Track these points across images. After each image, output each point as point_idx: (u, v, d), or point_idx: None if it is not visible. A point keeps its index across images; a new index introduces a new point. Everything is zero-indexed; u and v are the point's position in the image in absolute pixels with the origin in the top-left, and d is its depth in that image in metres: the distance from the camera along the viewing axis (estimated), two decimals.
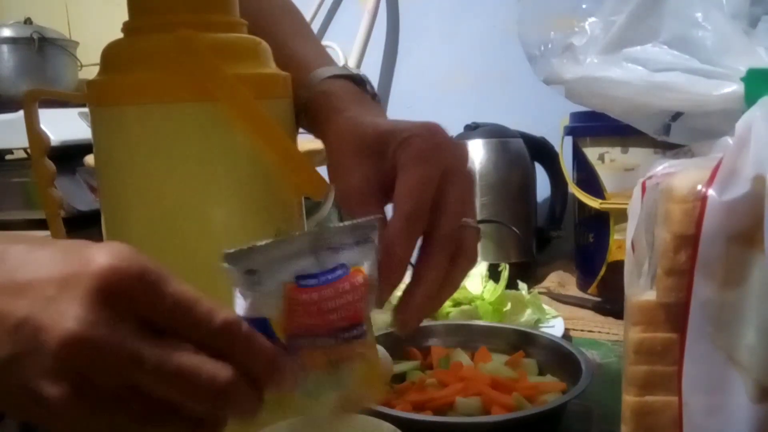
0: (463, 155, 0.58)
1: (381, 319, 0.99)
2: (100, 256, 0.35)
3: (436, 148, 0.55)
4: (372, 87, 0.68)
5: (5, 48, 1.58)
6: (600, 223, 1.20)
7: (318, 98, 0.65)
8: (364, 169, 0.58)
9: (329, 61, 0.71)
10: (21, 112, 0.64)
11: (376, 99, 0.68)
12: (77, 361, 0.34)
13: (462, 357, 0.84)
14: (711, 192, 0.50)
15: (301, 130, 0.70)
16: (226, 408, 0.38)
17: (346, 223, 0.46)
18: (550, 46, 0.68)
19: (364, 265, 0.47)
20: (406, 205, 0.54)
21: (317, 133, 0.66)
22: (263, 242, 0.41)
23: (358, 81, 0.67)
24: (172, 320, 0.37)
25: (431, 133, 0.57)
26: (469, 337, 0.89)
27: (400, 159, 0.56)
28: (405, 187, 0.54)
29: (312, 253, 0.43)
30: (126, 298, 0.35)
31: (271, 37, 0.65)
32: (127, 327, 0.35)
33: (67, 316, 0.34)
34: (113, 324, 0.35)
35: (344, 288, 0.45)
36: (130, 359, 0.35)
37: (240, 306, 0.41)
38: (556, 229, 1.47)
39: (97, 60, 0.61)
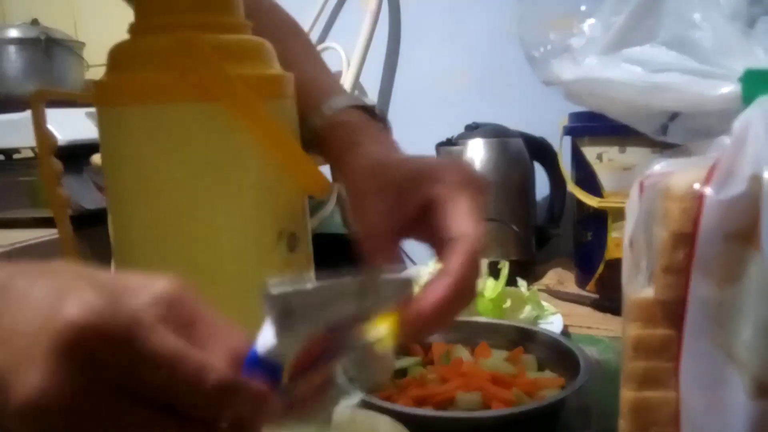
0: (487, 188, 0.59)
1: None
2: (70, 308, 0.32)
3: (470, 179, 0.57)
4: (383, 114, 0.68)
5: (12, 49, 1.57)
6: (598, 222, 1.20)
7: (333, 129, 0.65)
8: (381, 208, 0.58)
9: (338, 86, 0.72)
10: (28, 112, 0.64)
11: (387, 126, 0.68)
12: (37, 423, 0.32)
13: (462, 353, 0.85)
14: (708, 191, 0.50)
15: None
16: None
17: (402, 276, 0.45)
18: (549, 47, 0.68)
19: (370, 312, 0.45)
20: (477, 230, 0.54)
21: (333, 164, 0.66)
22: (312, 285, 0.38)
23: (369, 111, 0.67)
24: (154, 382, 0.34)
25: (460, 165, 0.58)
26: (470, 333, 0.90)
27: (439, 193, 0.56)
28: (464, 215, 0.54)
29: (356, 299, 0.41)
30: (94, 358, 0.32)
31: (280, 59, 0.65)
32: (95, 391, 0.33)
33: (28, 378, 0.32)
34: (76, 389, 0.32)
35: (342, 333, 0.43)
36: (91, 422, 0.33)
37: (262, 344, 0.38)
38: (555, 228, 1.47)
39: (104, 60, 0.61)
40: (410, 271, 0.46)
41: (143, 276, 0.37)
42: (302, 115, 0.66)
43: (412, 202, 0.57)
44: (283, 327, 0.37)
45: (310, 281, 0.38)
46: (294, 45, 0.76)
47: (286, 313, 0.37)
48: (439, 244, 0.56)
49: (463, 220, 0.54)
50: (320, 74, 0.73)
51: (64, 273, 0.36)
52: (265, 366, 0.38)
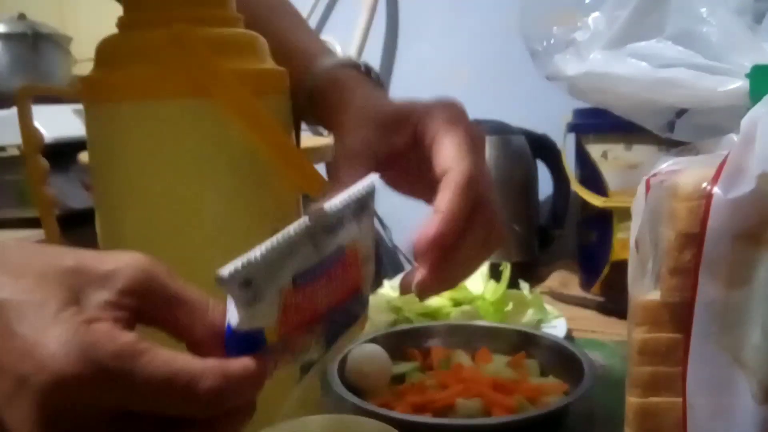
0: (482, 132, 0.59)
1: (380, 319, 0.99)
2: (53, 359, 0.32)
3: (462, 116, 0.57)
4: (377, 76, 0.68)
5: None
6: (603, 222, 1.19)
7: (327, 85, 0.65)
8: (364, 134, 0.58)
9: (330, 52, 0.71)
10: (14, 109, 0.64)
11: (381, 83, 0.68)
12: None
13: (463, 358, 0.84)
14: (716, 190, 0.50)
15: (303, 127, 0.70)
16: None
17: (346, 198, 0.44)
18: (552, 41, 0.68)
19: (359, 238, 0.45)
20: (462, 163, 0.53)
21: (328, 119, 0.65)
22: (259, 252, 0.37)
23: (365, 71, 0.67)
24: (148, 405, 0.34)
25: (454, 105, 0.59)
26: (470, 337, 0.89)
27: (430, 128, 0.56)
28: (452, 149, 0.54)
29: (310, 242, 0.41)
30: (85, 399, 0.33)
31: (270, 29, 0.64)
32: (90, 423, 0.34)
33: (17, 425, 0.33)
34: (71, 426, 0.33)
35: (336, 273, 0.43)
36: None
37: (233, 319, 0.38)
38: (559, 228, 1.46)
39: (92, 55, 0.61)
40: (358, 186, 0.45)
41: (110, 259, 0.37)
42: (295, 83, 0.65)
43: (400, 135, 0.58)
44: (247, 300, 0.37)
45: (259, 249, 0.37)
46: (283, 14, 0.76)
47: (245, 286, 0.36)
48: (424, 183, 0.56)
49: (449, 153, 0.54)
50: (311, 41, 0.73)
51: (32, 275, 0.35)
52: (245, 339, 0.38)
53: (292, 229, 0.39)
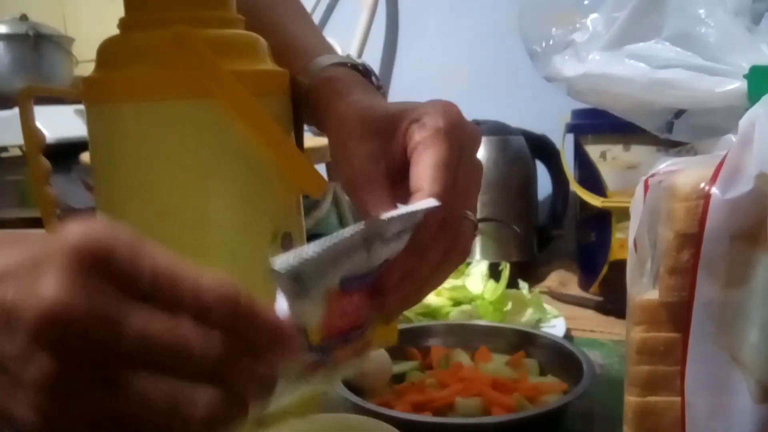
0: (476, 138, 0.56)
1: None
2: (71, 230, 0.32)
3: (452, 127, 0.52)
4: (377, 78, 0.66)
5: (0, 44, 1.59)
6: (602, 222, 1.19)
7: (320, 84, 0.63)
8: (369, 149, 0.54)
9: (330, 49, 0.70)
10: (16, 110, 0.63)
11: (381, 91, 0.66)
12: (56, 332, 0.32)
13: (462, 357, 0.84)
14: (714, 190, 0.50)
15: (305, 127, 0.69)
16: (231, 384, 0.34)
17: (404, 213, 0.44)
18: (551, 42, 0.68)
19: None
20: (434, 187, 0.49)
21: (319, 120, 0.63)
22: (317, 250, 0.37)
23: (363, 72, 0.65)
24: (158, 291, 0.33)
25: (446, 111, 0.54)
26: (470, 336, 0.89)
27: (414, 137, 0.52)
28: (428, 168, 0.50)
29: (364, 248, 0.41)
30: (102, 266, 0.32)
31: (271, 23, 0.64)
32: (107, 295, 0.32)
33: (41, 291, 0.32)
34: (90, 292, 0.32)
35: (373, 284, 0.44)
36: (111, 325, 0.32)
37: (280, 311, 0.37)
38: (558, 228, 1.46)
39: (93, 56, 0.61)
40: (418, 203, 0.46)
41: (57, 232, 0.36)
42: (294, 80, 0.64)
43: (395, 144, 0.54)
44: (295, 295, 0.37)
45: (314, 246, 0.37)
46: (286, 9, 0.74)
47: (296, 282, 0.37)
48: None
49: (423, 173, 0.50)
50: (312, 38, 0.71)
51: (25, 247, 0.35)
52: None
53: (347, 231, 0.39)
